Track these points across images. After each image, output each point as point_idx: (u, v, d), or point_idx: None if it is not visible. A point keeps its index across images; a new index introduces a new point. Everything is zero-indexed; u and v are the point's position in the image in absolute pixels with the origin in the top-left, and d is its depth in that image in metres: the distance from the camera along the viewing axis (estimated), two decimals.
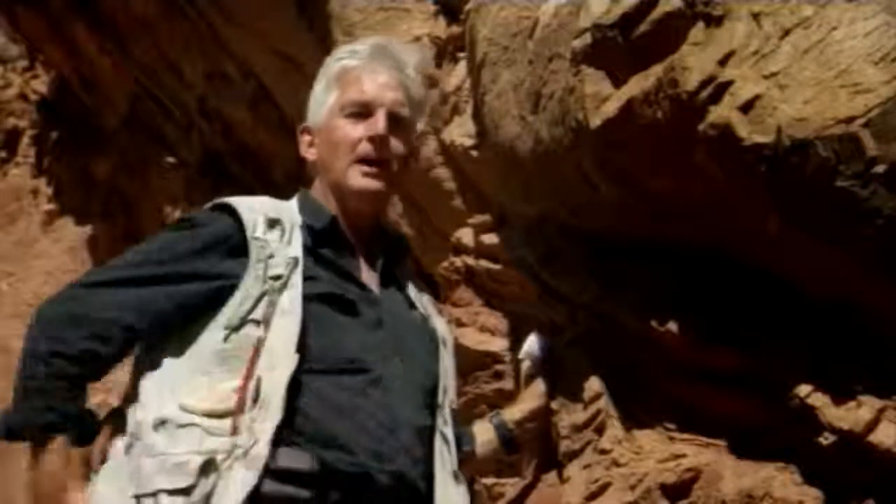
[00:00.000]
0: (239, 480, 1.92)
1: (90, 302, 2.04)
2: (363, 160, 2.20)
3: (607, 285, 2.56)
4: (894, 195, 1.95)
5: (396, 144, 2.22)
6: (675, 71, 2.12)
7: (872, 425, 2.17)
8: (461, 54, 3.29)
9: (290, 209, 2.23)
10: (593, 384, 2.62)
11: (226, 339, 2.03)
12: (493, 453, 2.47)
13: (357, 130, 2.21)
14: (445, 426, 2.21)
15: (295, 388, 2.01)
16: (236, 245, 2.10)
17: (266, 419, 1.97)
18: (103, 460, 2.03)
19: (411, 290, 2.32)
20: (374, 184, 2.21)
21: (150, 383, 2.05)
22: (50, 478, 2.00)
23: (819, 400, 2.22)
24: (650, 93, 2.17)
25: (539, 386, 2.58)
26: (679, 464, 2.42)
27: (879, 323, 2.17)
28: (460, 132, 3.25)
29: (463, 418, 2.49)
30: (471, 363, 3.27)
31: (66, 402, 2.00)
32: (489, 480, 3.12)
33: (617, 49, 2.25)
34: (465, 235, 3.39)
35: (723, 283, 2.35)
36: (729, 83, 2.06)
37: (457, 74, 3.32)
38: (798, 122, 1.98)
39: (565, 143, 2.42)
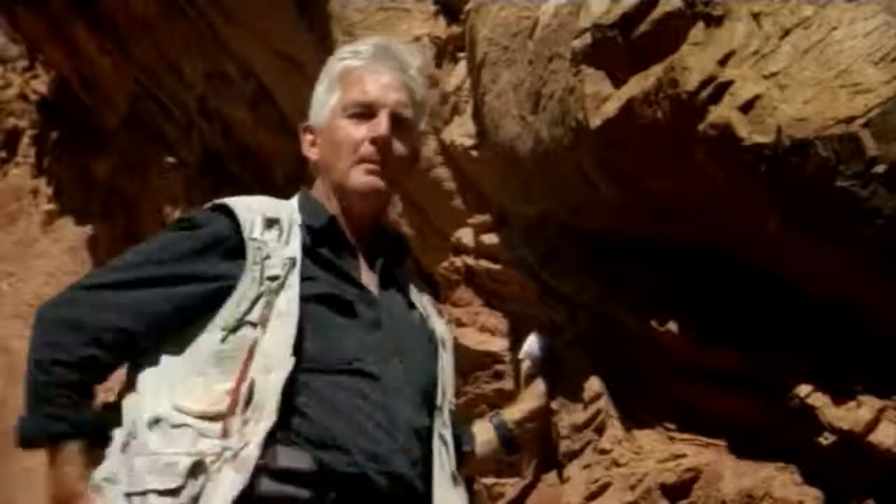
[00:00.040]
0: (228, 482, 1.93)
1: (89, 305, 2.05)
2: (365, 161, 2.20)
3: (607, 285, 2.56)
4: (894, 195, 1.95)
5: (398, 145, 2.22)
6: (675, 71, 2.12)
7: (872, 425, 2.17)
8: (461, 54, 3.29)
9: (289, 208, 2.22)
10: (593, 384, 2.62)
11: (223, 340, 2.04)
12: (493, 453, 2.47)
13: (359, 131, 2.21)
14: (444, 428, 2.21)
15: (294, 388, 2.01)
16: (233, 247, 2.10)
17: (259, 421, 1.97)
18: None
19: (411, 291, 2.32)
20: (375, 184, 2.21)
21: (149, 379, 2.06)
22: (63, 483, 2.02)
23: (819, 400, 2.22)
24: (650, 93, 2.17)
25: (539, 386, 2.58)
26: (679, 464, 2.42)
27: (879, 323, 2.17)
28: (460, 132, 3.25)
29: (463, 418, 2.49)
30: (471, 363, 3.27)
31: (72, 410, 2.01)
32: (489, 480, 3.12)
33: (617, 49, 2.25)
34: (465, 235, 3.39)
35: (723, 283, 2.35)
36: (729, 83, 2.06)
37: (457, 74, 3.32)
38: (798, 122, 1.98)
39: (565, 143, 2.42)
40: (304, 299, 2.07)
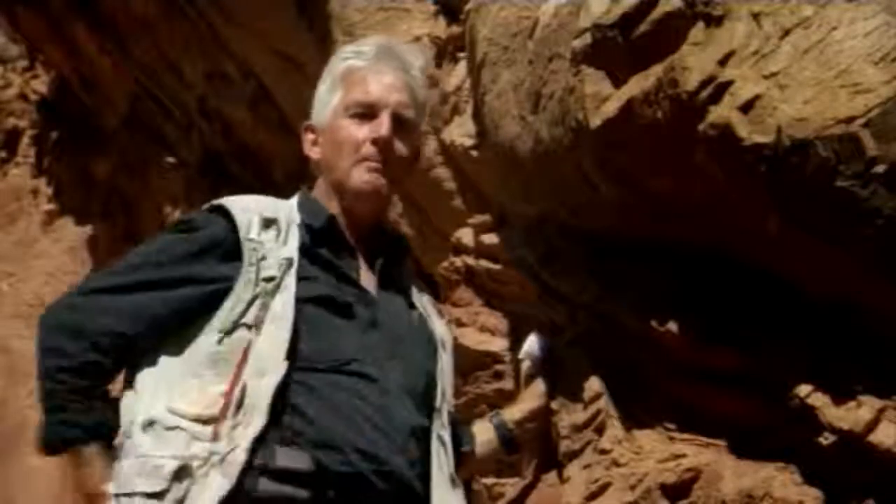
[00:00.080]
0: (215, 486, 1.93)
1: (87, 311, 2.07)
2: (366, 161, 2.20)
3: (607, 285, 2.56)
4: (894, 195, 1.95)
5: (400, 146, 2.22)
6: (675, 71, 2.12)
7: (872, 425, 2.17)
8: (461, 54, 3.29)
9: (288, 208, 2.22)
10: (593, 384, 2.62)
11: (219, 341, 2.04)
12: (493, 453, 2.47)
13: (361, 131, 2.21)
14: (443, 429, 2.20)
15: (293, 389, 2.01)
16: (230, 249, 2.10)
17: (249, 426, 1.97)
18: None
19: (411, 291, 2.32)
20: (376, 184, 2.20)
21: (148, 380, 2.07)
22: (85, 485, 2.05)
23: (819, 400, 2.22)
24: (650, 93, 2.17)
25: (539, 386, 2.58)
26: (679, 464, 2.42)
27: (879, 323, 2.17)
28: (460, 132, 3.25)
29: (463, 418, 2.49)
30: (471, 363, 3.27)
31: (85, 414, 2.04)
32: (489, 480, 3.12)
33: (617, 49, 2.25)
34: (465, 235, 3.39)
35: (723, 283, 2.35)
36: (729, 83, 2.06)
37: (457, 74, 3.32)
38: (798, 122, 1.98)
39: (565, 143, 2.42)
40: (302, 300, 2.07)
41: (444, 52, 3.40)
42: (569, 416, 2.65)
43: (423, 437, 2.14)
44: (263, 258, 2.09)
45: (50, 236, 7.29)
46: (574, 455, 2.66)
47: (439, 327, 2.34)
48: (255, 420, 1.97)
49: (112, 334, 2.05)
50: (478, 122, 3.04)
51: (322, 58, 2.41)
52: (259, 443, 1.96)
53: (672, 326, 2.39)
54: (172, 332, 2.07)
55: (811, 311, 2.25)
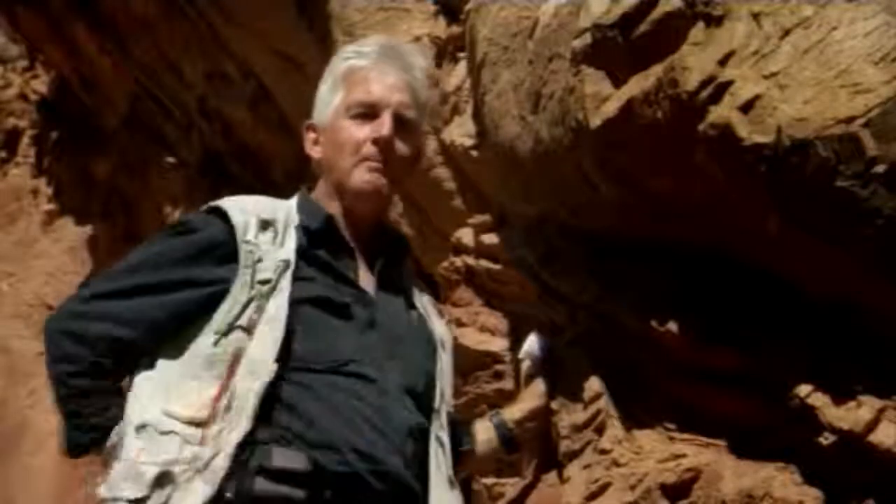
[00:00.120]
0: (198, 492, 1.93)
1: (87, 316, 2.09)
2: (367, 161, 2.20)
3: (607, 285, 2.56)
4: (894, 195, 1.95)
5: (401, 146, 2.22)
6: (675, 71, 2.12)
7: (872, 425, 2.17)
8: (461, 54, 3.29)
9: (287, 209, 2.22)
10: (593, 384, 2.62)
11: (215, 343, 2.04)
12: (493, 453, 2.47)
13: (362, 131, 2.20)
14: (441, 430, 2.20)
15: (291, 389, 2.02)
16: (227, 251, 2.10)
17: (233, 430, 1.97)
18: None
19: (411, 291, 2.31)
20: (377, 184, 2.20)
21: (146, 382, 2.07)
22: None
23: (819, 400, 2.22)
24: (650, 93, 2.17)
25: (539, 386, 2.58)
26: (679, 464, 2.42)
27: (879, 323, 2.17)
28: (460, 132, 3.25)
29: (463, 418, 2.49)
30: (471, 363, 3.27)
31: (99, 416, 2.06)
32: (489, 480, 3.12)
33: (617, 49, 2.25)
34: (465, 235, 3.39)
35: (723, 283, 2.35)
36: (729, 83, 2.06)
37: (457, 74, 3.32)
38: (798, 122, 1.98)
39: (565, 143, 2.43)
40: (298, 302, 2.07)
41: (444, 52, 3.41)
42: (569, 416, 2.65)
43: (421, 437, 2.14)
44: (260, 260, 2.09)
45: (50, 236, 7.29)
46: (574, 455, 2.66)
47: (439, 327, 2.34)
48: (241, 424, 1.97)
49: (110, 339, 2.06)
50: (478, 122, 3.04)
51: (322, 58, 2.41)
52: (244, 447, 1.96)
53: (672, 326, 2.39)
54: (171, 334, 2.08)
55: (811, 311, 2.25)
